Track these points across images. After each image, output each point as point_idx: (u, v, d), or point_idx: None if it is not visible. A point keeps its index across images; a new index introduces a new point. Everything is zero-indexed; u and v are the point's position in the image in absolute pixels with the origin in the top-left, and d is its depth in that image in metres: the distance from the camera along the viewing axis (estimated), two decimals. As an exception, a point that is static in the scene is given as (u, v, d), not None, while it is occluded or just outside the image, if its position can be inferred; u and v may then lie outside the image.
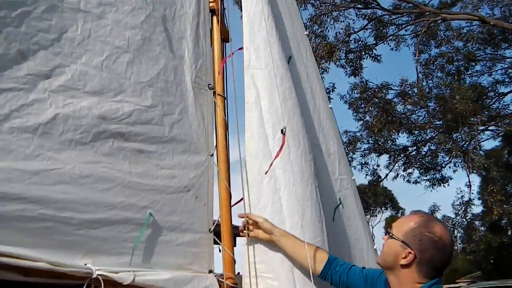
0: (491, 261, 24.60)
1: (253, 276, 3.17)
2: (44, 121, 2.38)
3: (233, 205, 3.21)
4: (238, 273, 3.27)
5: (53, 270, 2.26)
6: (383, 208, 44.37)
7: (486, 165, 17.60)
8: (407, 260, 2.46)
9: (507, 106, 19.50)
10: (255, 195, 3.21)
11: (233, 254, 3.17)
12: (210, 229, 3.10)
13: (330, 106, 4.07)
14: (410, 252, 2.45)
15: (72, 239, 2.41)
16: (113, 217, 2.58)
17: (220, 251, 3.22)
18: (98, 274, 2.40)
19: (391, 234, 2.56)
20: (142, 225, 2.69)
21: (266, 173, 3.19)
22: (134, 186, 2.69)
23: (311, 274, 2.99)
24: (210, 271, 3.06)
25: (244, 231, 3.14)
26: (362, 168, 20.51)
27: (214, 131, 3.27)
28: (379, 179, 21.23)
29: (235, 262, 3.16)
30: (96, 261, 2.47)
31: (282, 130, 3.21)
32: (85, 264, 2.41)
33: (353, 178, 4.00)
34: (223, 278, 3.08)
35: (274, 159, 3.18)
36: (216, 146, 3.23)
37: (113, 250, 2.58)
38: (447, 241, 2.50)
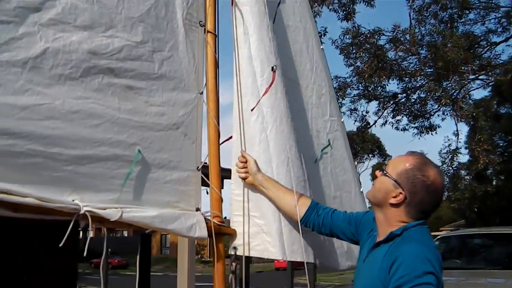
0: (475, 210, 24.95)
1: (241, 215, 3.21)
2: (34, 55, 2.34)
3: (222, 143, 3.22)
4: (225, 217, 3.30)
5: (41, 206, 2.26)
6: (370, 155, 44.91)
7: (474, 114, 17.70)
8: (397, 200, 2.48)
9: (498, 56, 19.53)
10: (241, 135, 3.22)
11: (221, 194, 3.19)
12: (198, 167, 3.11)
13: (321, 47, 4.04)
14: (401, 193, 2.47)
15: (61, 175, 2.40)
16: (102, 154, 2.57)
17: (207, 193, 3.25)
18: (85, 210, 2.40)
19: (385, 172, 2.56)
20: (131, 162, 2.69)
21: (252, 110, 3.19)
22: (123, 123, 2.68)
23: (298, 220, 3.03)
24: (197, 209, 3.08)
25: (238, 169, 3.16)
26: (351, 114, 20.62)
27: (204, 69, 3.23)
28: (368, 126, 21.35)
29: (222, 201, 3.19)
30: (84, 197, 2.47)
31: (272, 68, 3.20)
32: (73, 201, 2.42)
33: (342, 120, 4.00)
34: (210, 216, 3.11)
35: (262, 96, 3.17)
36: (206, 84, 3.20)
37: (101, 187, 2.58)
38: (440, 186, 2.52)
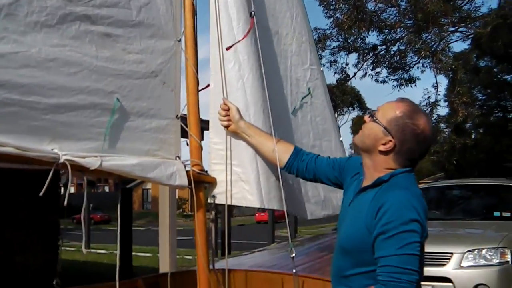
0: (454, 162, 25.18)
1: (220, 164, 3.22)
2: (8, 2, 2.28)
3: (200, 91, 3.20)
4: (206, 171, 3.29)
5: (20, 155, 2.25)
6: (350, 108, 45.07)
7: (453, 67, 17.71)
8: (386, 148, 2.46)
9: (478, 8, 19.37)
10: (219, 81, 3.21)
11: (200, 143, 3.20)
12: (177, 115, 3.11)
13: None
14: (390, 140, 2.45)
15: (39, 124, 2.39)
16: (80, 102, 2.56)
17: (187, 144, 3.25)
18: (65, 159, 2.40)
19: (375, 118, 2.52)
20: (109, 110, 2.68)
21: (227, 49, 3.17)
22: (100, 71, 2.65)
23: (278, 165, 3.05)
24: (177, 158, 3.09)
25: (221, 117, 3.15)
26: (331, 66, 20.57)
27: (182, 16, 3.19)
28: (348, 78, 21.35)
29: (202, 149, 3.19)
30: (63, 146, 2.47)
31: (250, 14, 3.17)
32: (52, 150, 2.41)
33: (321, 69, 3.99)
34: (189, 165, 3.11)
35: (240, 40, 3.15)
36: (183, 32, 3.17)
37: (80, 136, 2.58)
38: (429, 135, 2.50)
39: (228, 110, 3.13)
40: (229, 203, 3.22)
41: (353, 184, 2.71)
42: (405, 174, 2.48)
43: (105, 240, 25.27)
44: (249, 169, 3.17)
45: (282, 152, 3.05)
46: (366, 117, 2.60)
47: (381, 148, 2.47)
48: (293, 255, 2.36)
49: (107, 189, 73.86)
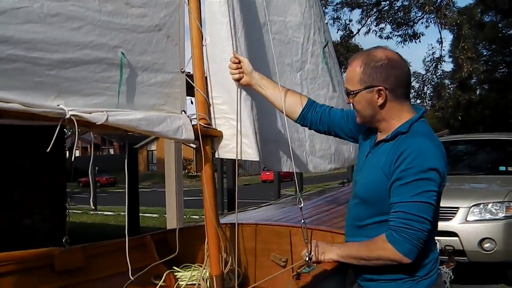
0: (459, 118, 25.13)
1: (220, 118, 3.21)
2: (8, -44, 2.26)
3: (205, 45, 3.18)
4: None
5: (26, 111, 2.25)
6: (354, 66, 44.77)
7: (458, 22, 17.53)
8: (383, 97, 2.46)
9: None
10: (215, 35, 3.19)
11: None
12: (182, 69, 3.10)
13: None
14: (379, 89, 2.45)
15: (44, 80, 2.38)
16: (84, 57, 2.54)
17: (192, 102, 3.24)
18: (71, 115, 2.40)
19: (352, 92, 2.54)
20: (114, 65, 2.67)
21: None
22: (104, 25, 2.63)
23: (285, 115, 3.04)
24: (183, 112, 3.09)
25: (232, 70, 3.13)
26: (334, 23, 20.44)
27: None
28: (351, 34, 21.17)
29: (207, 103, 3.19)
30: (68, 102, 2.46)
31: None
32: (58, 105, 2.41)
33: (326, 22, 3.96)
34: (195, 119, 3.11)
35: None
36: (186, -16, 3.13)
37: (86, 91, 2.57)
38: (396, 56, 2.52)
39: (239, 63, 3.11)
40: (227, 157, 3.23)
41: (369, 137, 2.71)
42: (422, 122, 2.49)
43: (111, 202, 25.47)
44: (247, 122, 3.16)
45: (295, 104, 3.05)
46: (347, 100, 2.63)
47: (380, 101, 2.47)
48: (301, 205, 2.37)
49: (112, 151, 74.12)
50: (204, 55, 3.17)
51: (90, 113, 2.50)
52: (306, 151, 3.57)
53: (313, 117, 3.04)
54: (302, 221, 2.34)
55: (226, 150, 3.22)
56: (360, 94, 2.50)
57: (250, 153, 3.18)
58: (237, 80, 3.13)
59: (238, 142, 3.17)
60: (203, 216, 3.15)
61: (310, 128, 3.14)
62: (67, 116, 2.39)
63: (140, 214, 14.78)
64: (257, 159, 3.18)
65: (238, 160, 3.22)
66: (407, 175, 2.30)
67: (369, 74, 2.46)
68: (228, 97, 3.19)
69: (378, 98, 2.47)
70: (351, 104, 2.62)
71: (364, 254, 2.48)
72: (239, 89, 3.17)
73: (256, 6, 3.31)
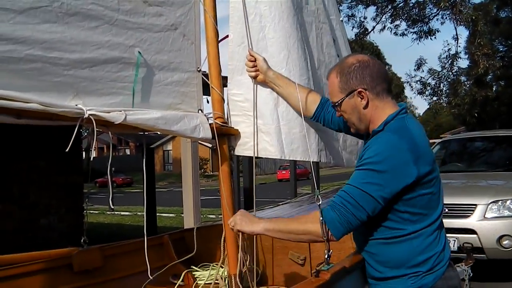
0: (475, 115, 24.98)
1: (240, 115, 3.21)
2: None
3: (220, 41, 3.19)
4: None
5: (45, 111, 2.26)
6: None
7: (474, 18, 17.42)
8: (365, 98, 2.51)
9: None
10: (240, 32, 3.19)
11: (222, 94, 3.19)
12: (198, 68, 3.10)
13: None
14: (359, 91, 2.50)
15: (62, 80, 2.40)
16: (101, 57, 2.55)
17: (208, 101, 3.25)
18: (89, 114, 2.41)
19: (336, 103, 2.60)
20: (131, 64, 2.67)
21: None
22: (120, 25, 2.64)
23: (302, 113, 3.05)
24: (200, 110, 3.09)
25: (248, 68, 3.15)
26: (348, 20, 20.29)
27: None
28: (366, 32, 21.10)
29: (224, 101, 3.19)
30: (86, 101, 2.48)
31: None
32: (76, 105, 2.42)
33: (341, 19, 3.93)
34: (212, 118, 3.12)
35: None
36: (201, -17, 3.13)
37: (103, 91, 2.58)
38: (366, 58, 2.57)
39: (255, 61, 3.13)
40: (247, 154, 3.23)
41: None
42: (398, 119, 2.50)
43: (128, 202, 25.58)
44: (270, 120, 3.17)
45: (310, 103, 3.10)
46: (337, 114, 2.69)
47: (363, 103, 2.52)
48: (320, 202, 2.37)
49: (128, 151, 74.46)
50: (220, 53, 3.18)
51: (108, 112, 2.51)
52: (340, 146, 3.58)
53: (326, 116, 3.10)
54: (321, 218, 2.33)
55: (246, 148, 3.22)
56: (344, 102, 2.56)
57: (272, 151, 3.19)
58: (254, 78, 3.17)
59: (255, 139, 3.18)
60: (220, 216, 3.16)
61: (323, 125, 3.17)
62: (86, 115, 2.40)
63: (157, 214, 14.82)
64: (278, 157, 3.19)
65: (256, 158, 3.22)
66: (363, 163, 2.36)
67: (345, 81, 2.53)
68: (250, 94, 3.20)
69: (361, 100, 2.52)
70: (342, 116, 2.68)
71: (293, 227, 2.50)
72: (255, 86, 3.18)
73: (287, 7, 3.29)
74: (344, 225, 2.34)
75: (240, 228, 2.63)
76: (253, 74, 3.16)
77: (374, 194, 2.30)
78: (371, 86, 2.50)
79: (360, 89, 2.49)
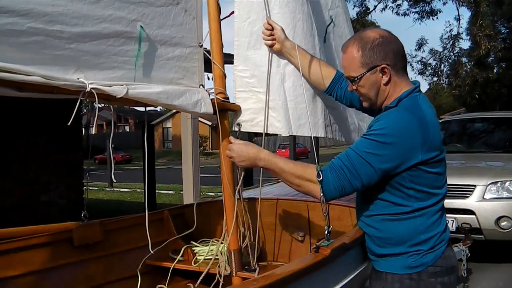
0: (476, 96, 24.93)
1: (245, 91, 3.22)
2: None
3: (223, 19, 3.19)
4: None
5: (47, 83, 2.26)
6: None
7: (477, -1, 17.34)
8: (387, 74, 2.48)
9: None
10: (245, 8, 3.18)
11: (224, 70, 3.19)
12: (200, 43, 3.09)
13: None
14: (382, 67, 2.47)
15: (63, 54, 2.39)
16: (103, 31, 2.54)
17: (208, 78, 3.24)
18: (91, 88, 2.41)
19: (355, 78, 2.54)
20: (133, 39, 2.67)
21: None
22: (123, -1, 2.63)
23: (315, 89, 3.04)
24: (201, 86, 3.09)
25: (265, 37, 3.15)
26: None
27: None
28: (368, 11, 21.01)
29: (225, 77, 3.18)
30: (88, 75, 2.47)
31: None
32: (78, 79, 2.42)
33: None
34: (213, 93, 3.12)
35: None
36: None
37: (105, 65, 2.58)
38: (386, 32, 2.54)
39: (272, 29, 3.12)
40: (254, 130, 3.24)
41: None
42: (411, 96, 2.50)
43: (127, 179, 25.59)
44: (276, 96, 3.16)
45: (324, 77, 3.09)
46: (350, 87, 2.63)
47: (385, 79, 2.50)
48: (321, 178, 2.37)
49: (127, 128, 74.46)
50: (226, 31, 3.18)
51: (110, 86, 2.51)
52: (354, 124, 3.60)
53: (339, 92, 3.10)
54: (322, 194, 2.34)
55: (253, 124, 3.24)
56: (364, 77, 2.51)
57: (279, 126, 3.19)
58: (270, 46, 3.16)
59: (266, 115, 3.20)
60: (219, 193, 3.17)
61: (336, 100, 3.18)
62: (88, 89, 2.40)
63: (156, 191, 14.86)
64: (286, 133, 3.20)
65: (255, 136, 3.23)
66: (368, 133, 2.37)
67: (369, 56, 2.48)
68: (256, 70, 3.20)
69: (382, 76, 2.49)
70: (355, 90, 2.63)
71: (291, 168, 2.52)
72: (271, 54, 3.19)
73: None
74: (338, 189, 2.37)
75: (237, 157, 2.72)
76: (269, 43, 3.14)
77: (374, 165, 2.31)
78: (394, 62, 2.48)
79: (384, 65, 2.46)
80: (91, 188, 22.41)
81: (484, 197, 7.54)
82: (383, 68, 2.47)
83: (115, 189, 22.73)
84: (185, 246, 3.72)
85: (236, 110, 3.20)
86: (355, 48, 2.51)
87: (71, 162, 10.19)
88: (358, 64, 2.51)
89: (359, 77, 2.52)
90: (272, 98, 3.17)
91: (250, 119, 3.23)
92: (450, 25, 20.18)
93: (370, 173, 2.32)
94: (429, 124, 2.38)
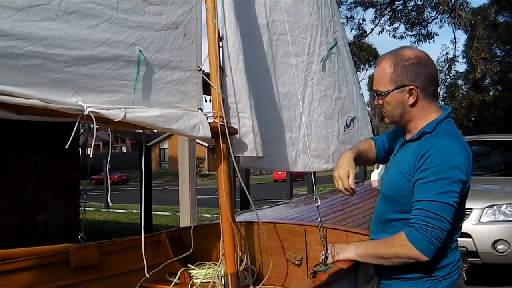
0: (472, 119, 25.02)
1: (234, 116, 3.25)
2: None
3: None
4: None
5: (45, 107, 2.28)
6: (366, 66, 44.62)
7: (472, 22, 17.45)
8: (414, 96, 2.46)
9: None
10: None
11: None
12: (199, 67, 3.11)
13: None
14: (410, 88, 2.45)
15: (62, 77, 2.41)
16: (102, 54, 2.57)
17: (206, 101, 3.25)
18: (89, 111, 2.43)
19: (382, 93, 2.53)
20: (131, 63, 2.68)
21: None
22: (121, 23, 2.66)
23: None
24: (199, 109, 3.10)
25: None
26: (347, 22, 20.44)
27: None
28: (365, 34, 21.17)
29: (223, 101, 3.20)
30: (86, 98, 2.50)
31: None
32: (76, 102, 2.43)
33: (341, 21, 3.96)
34: (211, 117, 3.13)
35: None
36: (203, -18, 3.14)
37: (103, 88, 2.60)
38: (424, 55, 2.52)
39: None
40: (246, 154, 3.26)
41: (399, 138, 2.73)
42: (448, 122, 2.49)
43: (123, 200, 25.53)
44: (255, 122, 3.24)
45: (371, 151, 3.04)
46: (377, 101, 2.60)
47: (411, 100, 2.47)
48: (318, 203, 2.37)
49: (124, 149, 74.41)
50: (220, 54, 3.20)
51: (108, 109, 2.52)
52: (298, 150, 3.61)
53: (379, 155, 3.04)
54: (319, 219, 2.34)
55: (241, 147, 3.26)
56: (391, 94, 2.50)
57: (259, 150, 3.28)
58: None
59: (252, 140, 3.23)
60: (215, 215, 3.17)
61: (380, 158, 3.09)
62: (86, 112, 2.42)
63: (153, 212, 14.81)
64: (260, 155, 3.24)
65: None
66: (429, 174, 2.30)
67: (399, 74, 2.46)
68: (241, 95, 3.24)
69: (409, 97, 2.47)
70: (380, 104, 2.60)
71: (381, 252, 2.48)
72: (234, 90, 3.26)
73: (258, 8, 3.35)
74: (435, 243, 2.30)
75: (335, 259, 2.68)
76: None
77: (451, 201, 2.28)
78: (424, 86, 2.45)
79: (412, 87, 2.44)
80: (87, 208, 22.25)
81: (481, 220, 7.51)
82: (411, 89, 2.45)
83: (111, 210, 22.63)
84: (182, 269, 3.69)
85: (234, 134, 3.21)
86: (388, 63, 2.51)
87: (68, 182, 10.14)
88: (387, 80, 2.50)
89: (385, 92, 2.51)
90: (256, 123, 3.22)
91: (237, 143, 3.29)
92: (446, 48, 20.43)
93: (450, 211, 2.30)
94: (469, 151, 2.40)
